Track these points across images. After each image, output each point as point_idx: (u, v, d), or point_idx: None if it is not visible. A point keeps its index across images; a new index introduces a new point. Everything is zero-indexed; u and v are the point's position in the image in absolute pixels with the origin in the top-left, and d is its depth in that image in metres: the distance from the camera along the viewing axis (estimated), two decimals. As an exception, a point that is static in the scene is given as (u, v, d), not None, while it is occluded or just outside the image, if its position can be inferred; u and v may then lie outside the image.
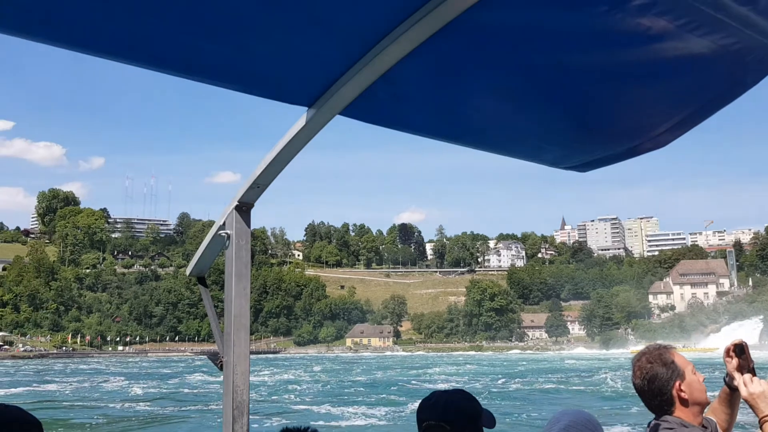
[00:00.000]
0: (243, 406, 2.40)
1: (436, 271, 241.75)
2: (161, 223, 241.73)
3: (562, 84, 2.24)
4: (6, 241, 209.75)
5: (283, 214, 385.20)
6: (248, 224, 2.56)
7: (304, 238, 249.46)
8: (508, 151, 2.84)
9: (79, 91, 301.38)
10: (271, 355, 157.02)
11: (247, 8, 1.75)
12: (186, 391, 44.29)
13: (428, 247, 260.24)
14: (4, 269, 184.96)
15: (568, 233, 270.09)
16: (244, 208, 2.55)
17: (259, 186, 2.51)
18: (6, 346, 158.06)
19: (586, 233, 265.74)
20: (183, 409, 33.19)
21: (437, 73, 2.17)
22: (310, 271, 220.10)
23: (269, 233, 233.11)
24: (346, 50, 2.00)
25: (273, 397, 38.94)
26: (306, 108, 2.27)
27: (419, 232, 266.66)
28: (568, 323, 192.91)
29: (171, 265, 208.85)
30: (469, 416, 2.22)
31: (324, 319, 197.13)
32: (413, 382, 52.99)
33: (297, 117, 2.29)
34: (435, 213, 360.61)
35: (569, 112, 2.47)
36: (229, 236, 2.51)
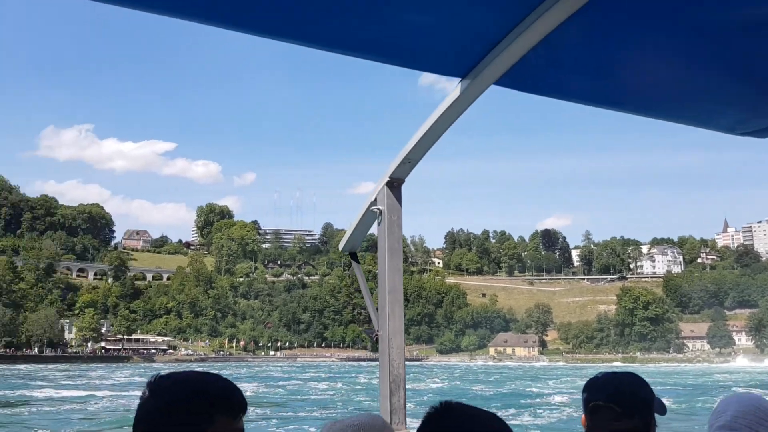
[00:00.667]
0: (399, 380, 2.36)
1: (584, 279, 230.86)
2: (307, 233, 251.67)
3: (740, 42, 2.04)
4: (170, 253, 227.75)
5: (422, 222, 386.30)
6: (399, 200, 2.52)
7: (444, 246, 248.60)
8: (676, 117, 2.62)
9: (231, 112, 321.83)
10: (408, 363, 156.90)
11: None
12: (299, 397, 44.41)
13: (574, 254, 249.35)
14: (168, 279, 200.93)
15: (732, 236, 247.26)
16: (395, 184, 2.51)
17: (410, 161, 2.45)
18: (170, 350, 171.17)
19: (752, 236, 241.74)
20: (266, 412, 33.01)
21: (599, 36, 2.03)
22: (450, 279, 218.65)
23: (408, 241, 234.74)
24: (504, 17, 1.92)
25: (366, 402, 37.96)
26: (459, 79, 2.19)
27: (564, 237, 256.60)
28: (734, 333, 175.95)
29: (316, 274, 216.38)
30: (642, 399, 2.01)
31: (466, 327, 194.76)
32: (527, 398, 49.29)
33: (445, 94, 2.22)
34: (581, 218, 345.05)
35: (750, 72, 2.22)
36: (380, 212, 2.49)
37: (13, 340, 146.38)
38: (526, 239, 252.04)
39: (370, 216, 2.61)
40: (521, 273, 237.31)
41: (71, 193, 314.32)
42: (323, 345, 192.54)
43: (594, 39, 2.07)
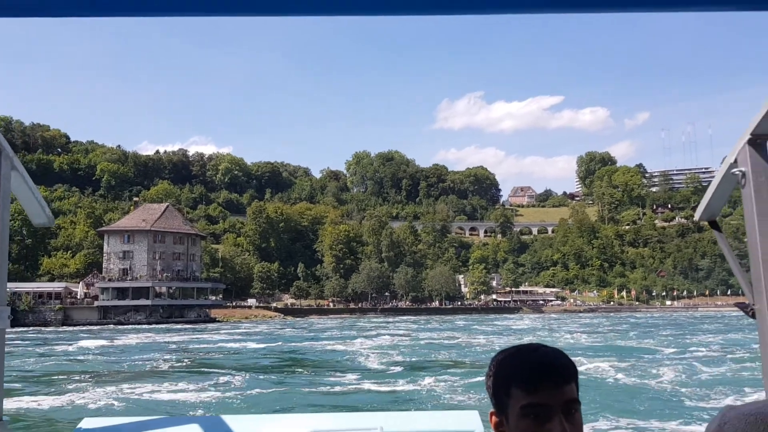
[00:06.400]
0: None
1: None
2: (703, 171, 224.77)
3: None
4: (554, 206, 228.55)
5: None
6: (766, 159, 2.19)
7: None
8: None
9: (621, 50, 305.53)
10: None
11: None
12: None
13: None
14: (553, 231, 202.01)
15: None
16: (758, 141, 2.18)
17: None
18: (558, 301, 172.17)
19: None
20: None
21: None
22: None
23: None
24: None
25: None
26: None
27: None
28: None
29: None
30: None
31: None
32: None
33: None
34: None
35: None
36: (743, 174, 2.19)
37: (418, 294, 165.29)
38: None
39: (730, 179, 2.28)
40: None
41: (470, 158, 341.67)
42: (728, 293, 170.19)
43: None
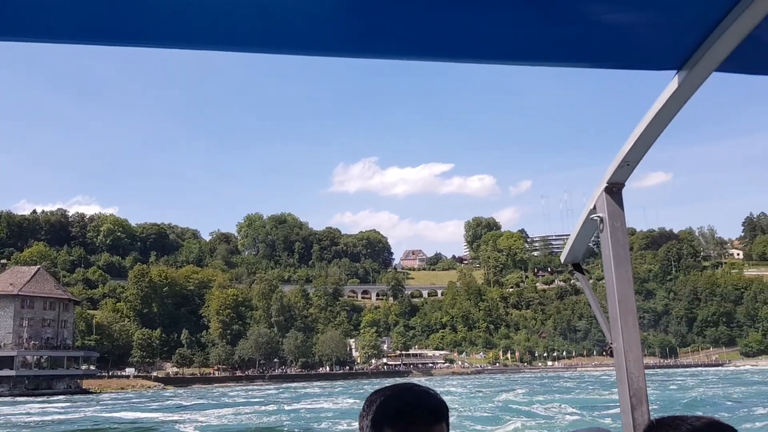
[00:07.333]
0: (641, 393, 2.24)
1: None
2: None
3: None
4: (444, 269, 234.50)
5: (712, 209, 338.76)
6: (621, 205, 2.37)
7: (742, 234, 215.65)
8: None
9: (509, 124, 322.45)
10: (712, 369, 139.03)
11: None
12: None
13: None
14: (442, 294, 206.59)
15: None
16: (614, 189, 2.37)
17: (628, 164, 2.29)
18: (447, 363, 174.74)
19: None
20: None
21: None
22: (752, 271, 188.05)
23: (696, 233, 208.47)
24: None
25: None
26: (675, 71, 1.98)
27: None
28: None
29: (590, 278, 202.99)
30: None
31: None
32: None
33: (663, 84, 2.01)
34: None
35: None
36: (601, 219, 2.36)
37: (308, 360, 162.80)
38: None
39: (590, 224, 2.49)
40: None
41: (366, 221, 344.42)
42: (604, 353, 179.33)
43: None
